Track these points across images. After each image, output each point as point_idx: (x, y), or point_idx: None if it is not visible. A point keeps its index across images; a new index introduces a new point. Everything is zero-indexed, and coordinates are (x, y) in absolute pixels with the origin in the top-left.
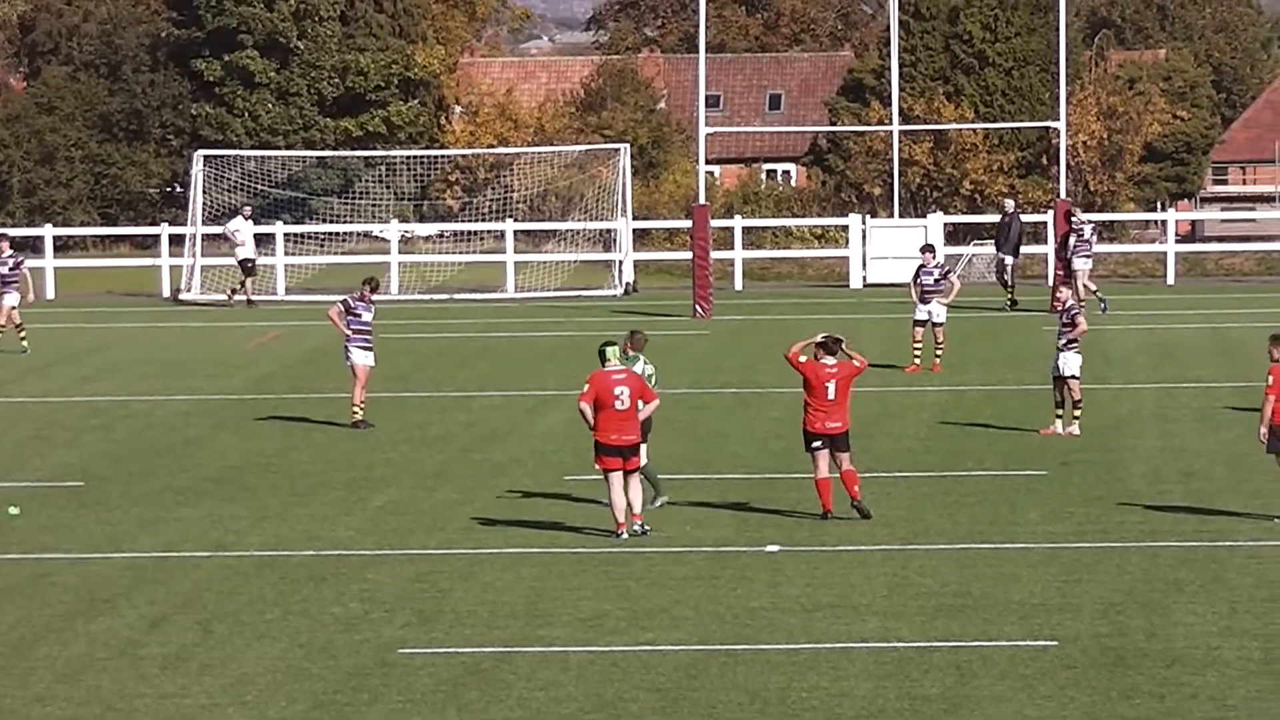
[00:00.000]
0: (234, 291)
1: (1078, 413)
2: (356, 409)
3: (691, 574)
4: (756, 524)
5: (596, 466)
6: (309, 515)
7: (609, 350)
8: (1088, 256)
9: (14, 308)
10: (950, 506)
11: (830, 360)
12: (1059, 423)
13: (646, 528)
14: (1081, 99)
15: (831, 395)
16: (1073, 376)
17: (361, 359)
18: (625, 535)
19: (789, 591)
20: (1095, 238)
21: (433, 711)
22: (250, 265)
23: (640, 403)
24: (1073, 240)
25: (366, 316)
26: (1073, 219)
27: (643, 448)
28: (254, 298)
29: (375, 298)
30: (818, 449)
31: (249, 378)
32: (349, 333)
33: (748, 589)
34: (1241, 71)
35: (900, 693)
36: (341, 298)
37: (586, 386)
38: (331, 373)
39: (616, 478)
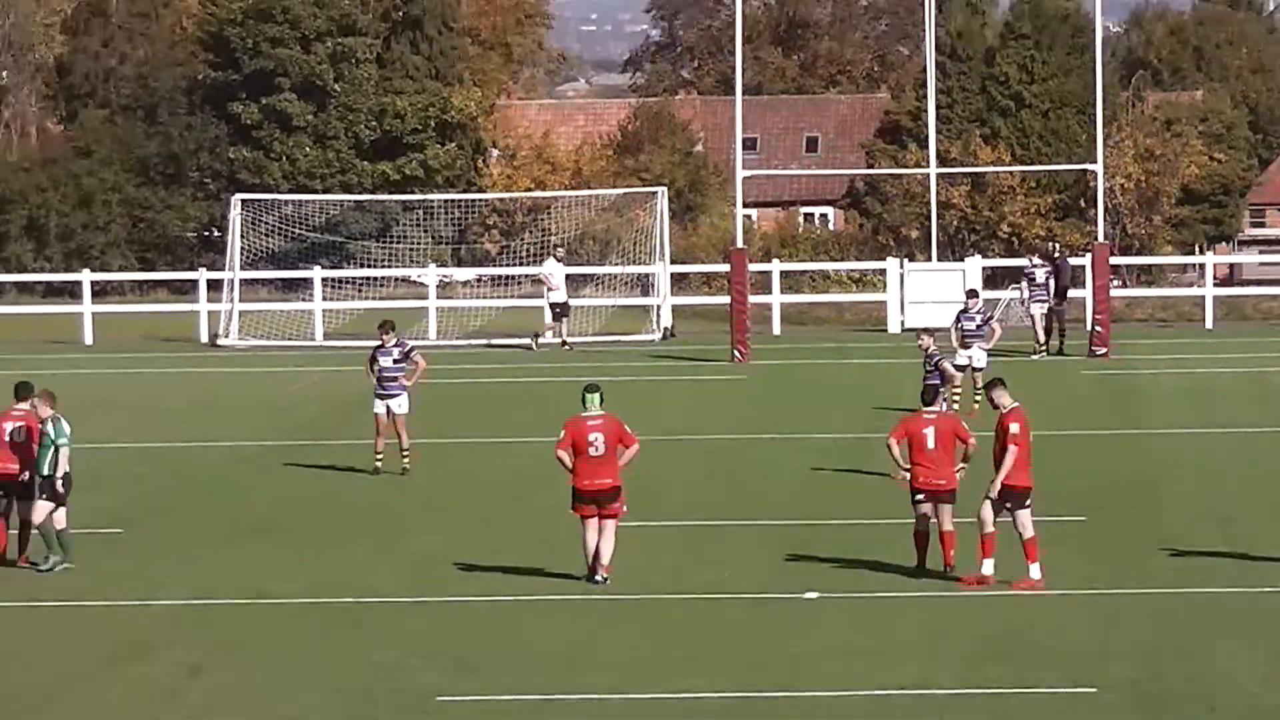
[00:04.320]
0: (537, 336)
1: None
2: (378, 456)
3: (730, 620)
4: (795, 570)
5: (571, 513)
6: (347, 561)
7: (588, 396)
8: (1042, 301)
9: None
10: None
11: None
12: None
13: (608, 579)
14: (1118, 141)
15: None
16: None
17: (375, 406)
18: (597, 578)
19: (828, 638)
20: (1051, 281)
21: None
22: (561, 309)
23: (621, 448)
24: (1024, 285)
25: (384, 362)
26: (1030, 261)
27: (54, 510)
28: (569, 339)
29: (411, 341)
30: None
31: (287, 423)
32: (373, 380)
33: (786, 635)
34: (1278, 113)
35: None
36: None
37: (563, 434)
38: (368, 419)
39: (591, 524)
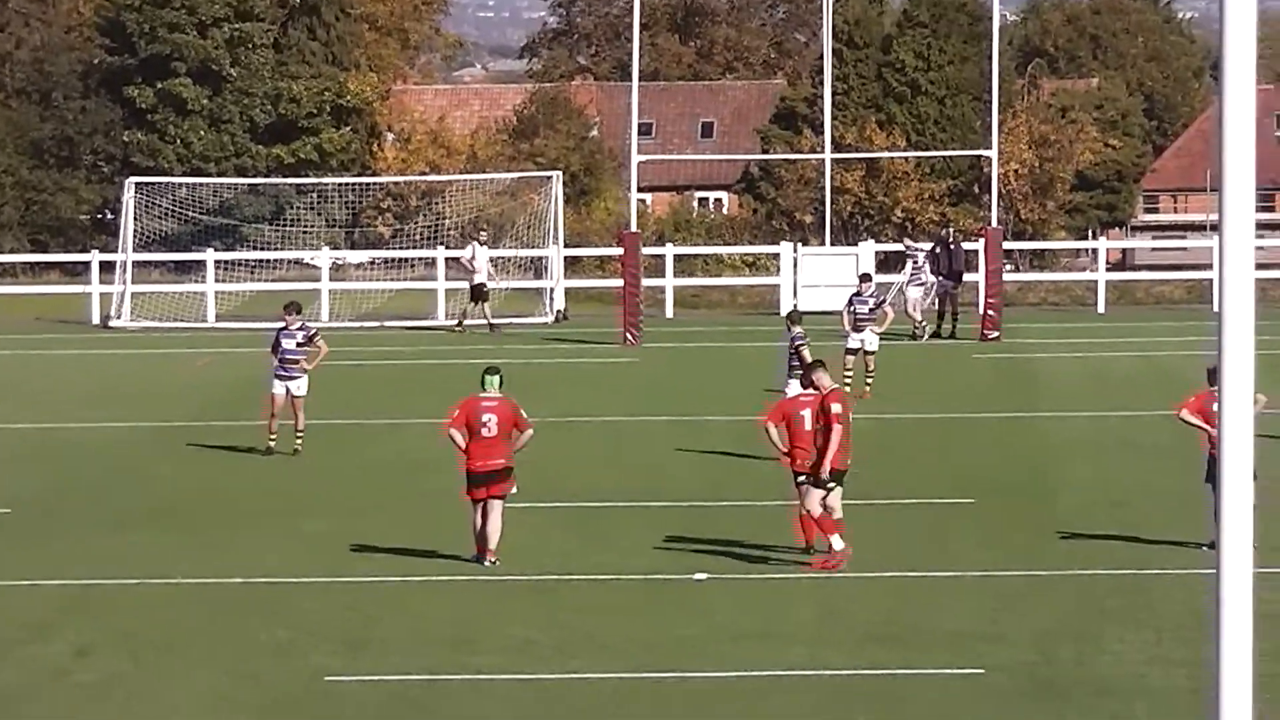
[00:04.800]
0: (463, 316)
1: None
2: (271, 436)
3: (620, 602)
4: (685, 552)
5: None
6: (238, 543)
7: (488, 378)
8: (920, 285)
9: None
10: (880, 535)
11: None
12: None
13: (496, 562)
14: (1013, 127)
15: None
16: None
17: (274, 387)
18: (489, 563)
19: (717, 620)
20: (928, 265)
21: None
22: (479, 291)
23: (516, 431)
24: (908, 267)
25: (288, 344)
26: (906, 245)
27: None
28: (468, 322)
29: (313, 325)
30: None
31: (179, 406)
32: (274, 361)
33: (676, 617)
34: (1173, 100)
35: None
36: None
37: (456, 411)
38: (261, 401)
39: (479, 505)
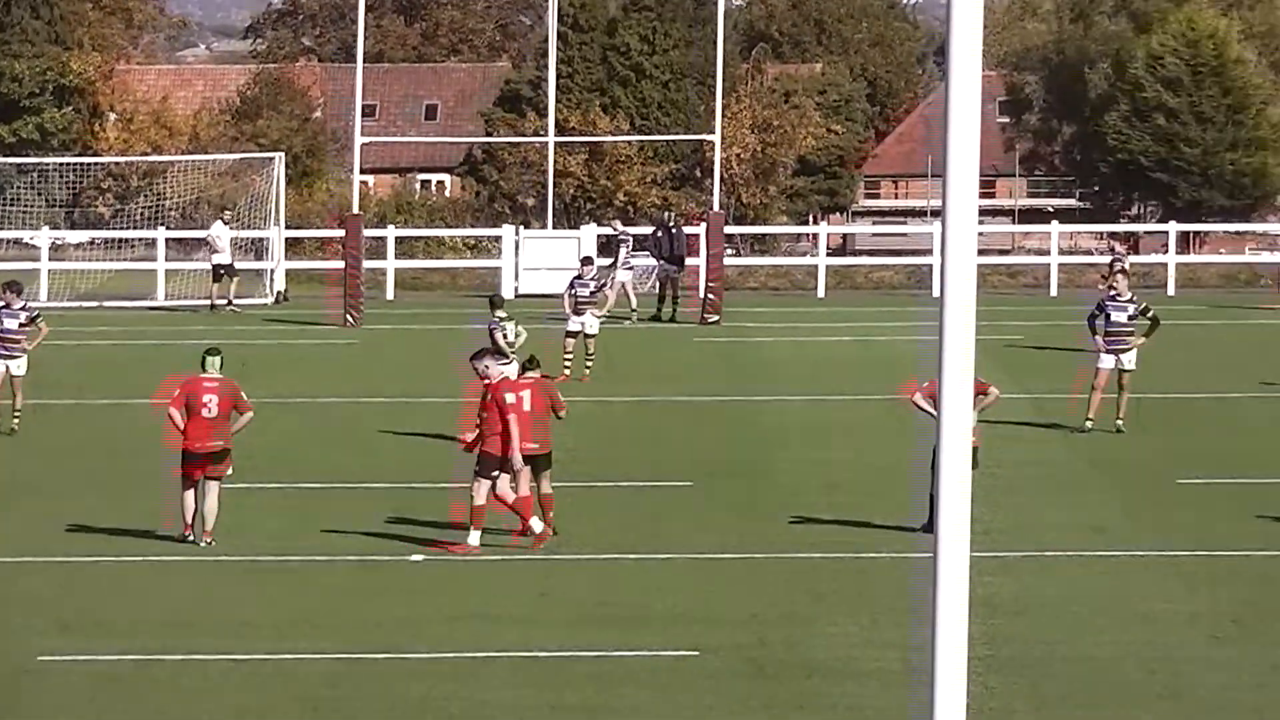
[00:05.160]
0: (229, 301)
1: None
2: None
3: (336, 583)
4: (400, 533)
5: (174, 473)
6: None
7: (209, 359)
8: (629, 269)
9: None
10: (595, 517)
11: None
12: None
13: (212, 542)
14: (736, 112)
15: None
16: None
17: None
18: (191, 538)
19: (432, 601)
20: (650, 249)
21: (72, 719)
22: (226, 270)
23: (235, 412)
24: (623, 252)
25: (9, 324)
26: (615, 228)
27: None
28: (218, 302)
29: (32, 304)
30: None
31: None
32: None
33: (392, 598)
34: (896, 86)
35: (540, 701)
36: None
37: (177, 391)
38: None
39: (191, 484)
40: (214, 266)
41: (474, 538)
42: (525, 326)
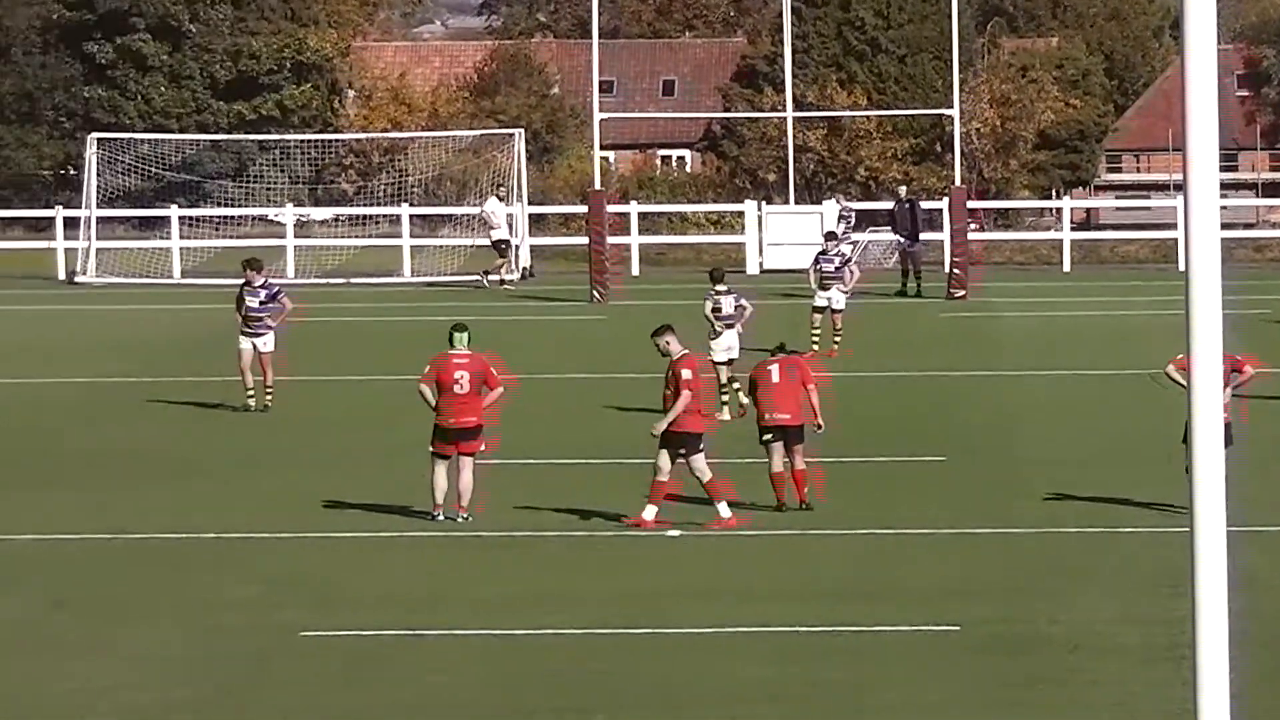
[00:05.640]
0: (487, 272)
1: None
2: (248, 392)
3: (591, 558)
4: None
5: (430, 449)
6: (207, 498)
7: (456, 335)
8: (850, 244)
9: None
10: (851, 492)
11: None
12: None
13: (469, 517)
14: (974, 86)
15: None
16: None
17: (241, 344)
18: (440, 517)
19: (689, 575)
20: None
21: (334, 693)
22: (504, 246)
23: (485, 388)
24: (841, 228)
25: (251, 302)
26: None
27: None
28: (507, 278)
29: (276, 281)
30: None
31: (145, 361)
32: (239, 319)
33: (648, 573)
34: (1133, 59)
35: (801, 678)
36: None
37: (427, 368)
38: (225, 356)
39: (443, 462)
40: (494, 242)
41: (723, 510)
42: (765, 302)
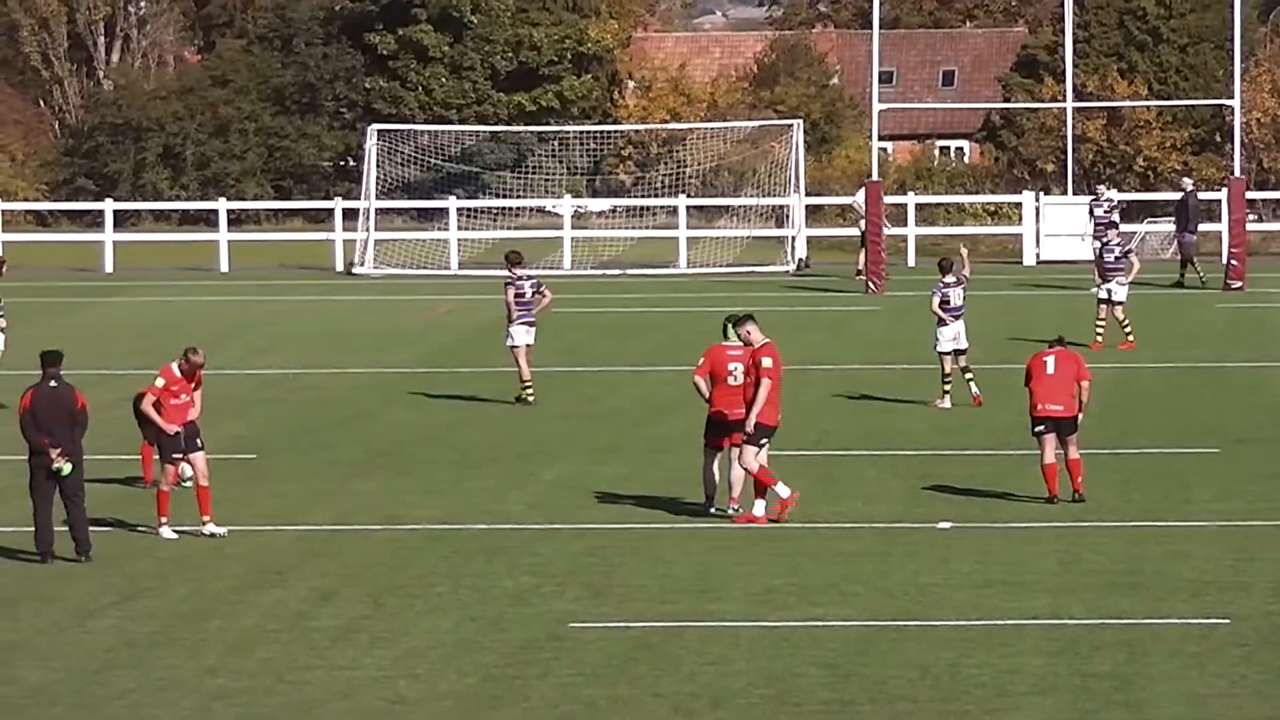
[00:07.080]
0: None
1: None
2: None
3: (862, 550)
4: (928, 500)
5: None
6: (479, 489)
7: (730, 327)
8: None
9: None
10: (1122, 484)
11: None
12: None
13: (740, 509)
14: (1255, 76)
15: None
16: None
17: (515, 338)
18: (713, 510)
19: (960, 568)
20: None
21: (603, 685)
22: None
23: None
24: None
25: (518, 292)
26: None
27: None
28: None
29: (535, 272)
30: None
31: (420, 352)
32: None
33: (918, 565)
34: None
35: (1071, 670)
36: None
37: (702, 360)
38: (500, 346)
39: (717, 454)
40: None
41: (782, 489)
42: (1038, 294)
